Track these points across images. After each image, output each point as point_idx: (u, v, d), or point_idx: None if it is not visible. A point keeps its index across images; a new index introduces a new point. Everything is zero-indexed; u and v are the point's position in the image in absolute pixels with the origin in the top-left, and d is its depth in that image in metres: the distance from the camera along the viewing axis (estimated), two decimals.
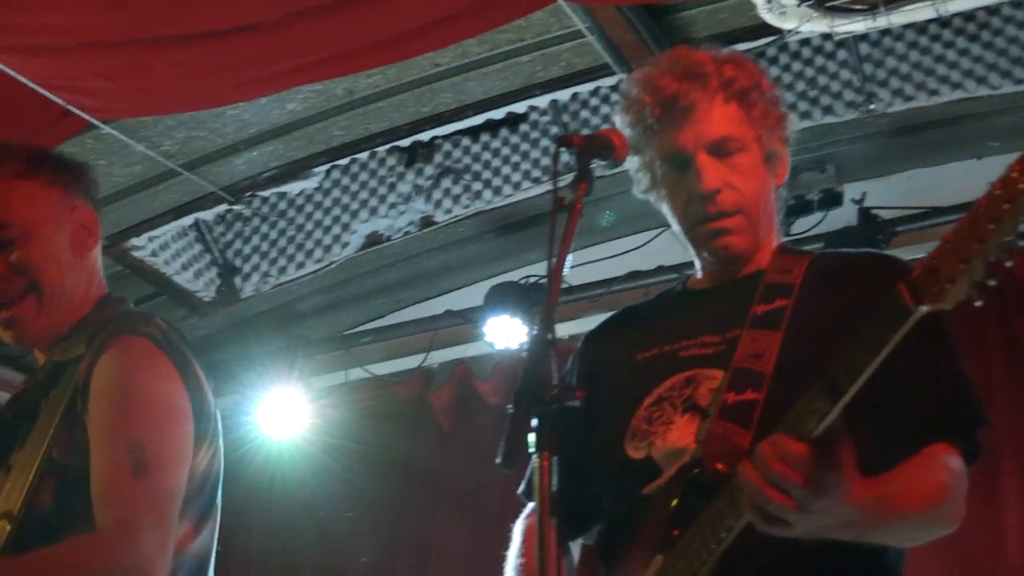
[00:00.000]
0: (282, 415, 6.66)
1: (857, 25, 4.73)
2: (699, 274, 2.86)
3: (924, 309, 2.06)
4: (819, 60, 5.33)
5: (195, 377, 2.83)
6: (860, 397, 2.14)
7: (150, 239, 6.01)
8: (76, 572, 2.56)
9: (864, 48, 5.21)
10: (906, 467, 2.36)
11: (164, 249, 6.12)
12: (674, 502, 2.49)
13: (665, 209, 2.80)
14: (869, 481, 2.24)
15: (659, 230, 2.84)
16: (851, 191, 5.66)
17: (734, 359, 2.58)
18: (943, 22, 4.99)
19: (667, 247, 2.89)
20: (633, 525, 2.56)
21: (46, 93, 4.63)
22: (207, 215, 6.11)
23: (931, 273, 2.04)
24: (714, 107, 2.72)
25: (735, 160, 2.71)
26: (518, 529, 2.88)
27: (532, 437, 2.15)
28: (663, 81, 2.74)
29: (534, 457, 2.13)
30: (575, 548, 2.90)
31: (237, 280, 6.37)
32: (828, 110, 5.33)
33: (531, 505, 2.90)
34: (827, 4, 4.67)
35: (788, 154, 2.85)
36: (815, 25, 4.74)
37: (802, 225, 5.71)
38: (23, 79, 4.53)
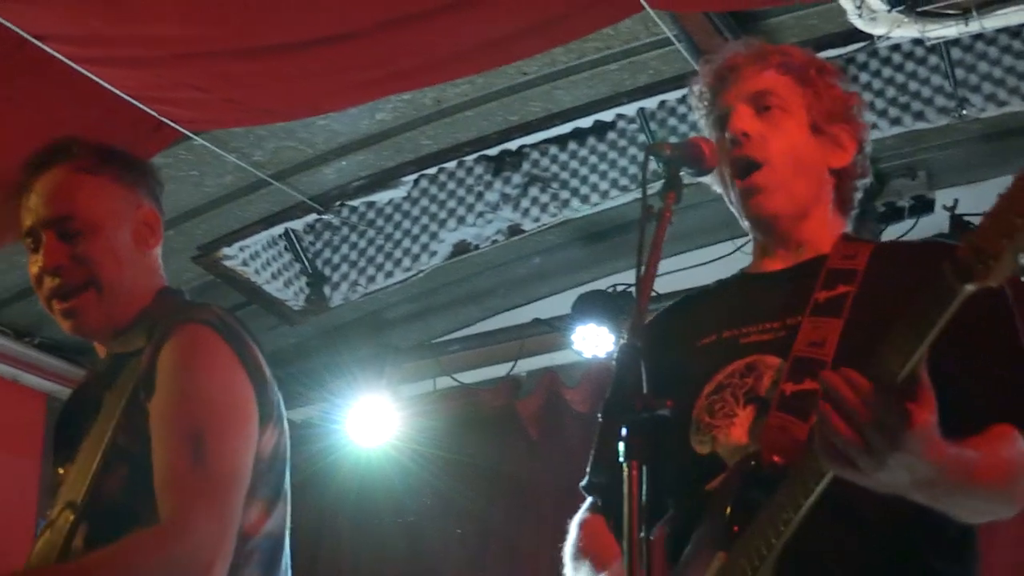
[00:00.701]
0: (370, 423, 6.70)
1: (949, 30, 4.68)
2: (757, 258, 2.83)
3: (970, 288, 2.01)
4: (910, 66, 5.27)
5: (255, 362, 2.84)
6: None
7: (241, 248, 6.06)
8: (134, 570, 2.58)
9: (956, 53, 5.15)
10: (978, 440, 2.30)
11: (255, 259, 6.18)
12: (733, 498, 2.47)
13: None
14: (951, 443, 2.18)
15: (747, 238, 2.82)
16: (942, 197, 5.60)
17: (794, 348, 2.55)
18: None
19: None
20: (697, 522, 2.55)
21: (140, 105, 4.69)
22: (297, 225, 6.16)
23: (975, 251, 2.00)
24: (763, 71, 2.73)
25: (773, 115, 2.70)
26: (575, 523, 2.88)
27: (622, 446, 2.15)
28: (723, 58, 2.78)
29: (624, 466, 2.13)
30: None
31: (326, 289, 6.41)
32: (919, 116, 5.27)
33: (589, 500, 2.92)
34: (918, 9, 4.62)
35: (859, 149, 2.80)
36: (906, 30, 4.69)
37: (893, 232, 5.66)
38: (118, 91, 4.59)
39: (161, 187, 3.15)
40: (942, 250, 2.68)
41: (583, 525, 2.87)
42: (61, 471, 2.89)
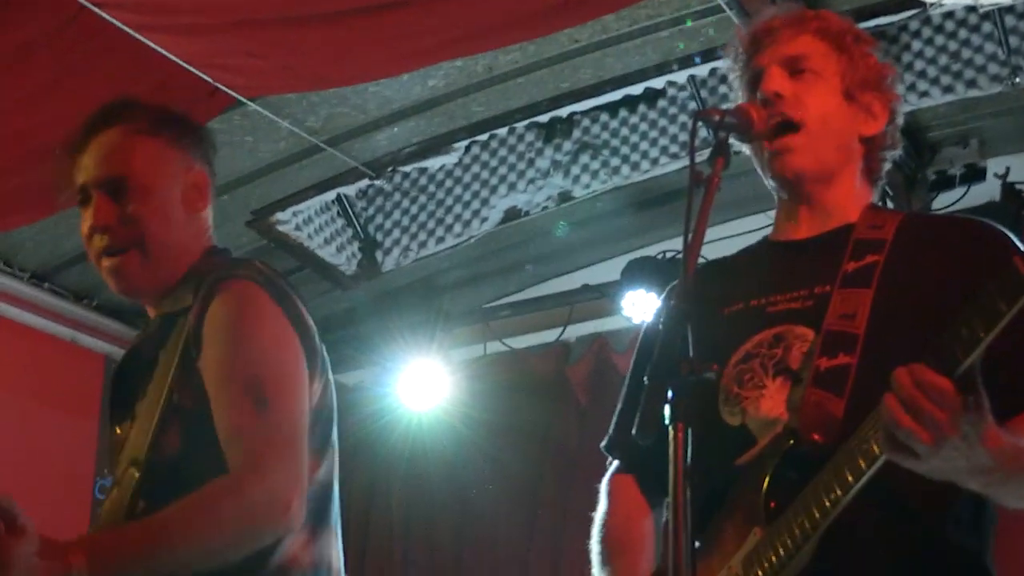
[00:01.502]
0: (422, 387, 6.74)
1: None
2: (781, 223, 2.80)
3: None
4: (963, 33, 5.22)
5: (299, 314, 2.86)
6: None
7: (294, 213, 6.10)
8: (211, 516, 2.60)
9: (1010, 21, 5.10)
10: (1022, 424, 2.31)
11: (308, 223, 6.21)
12: (769, 474, 2.48)
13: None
14: (1006, 432, 2.19)
15: None
16: (994, 166, 5.57)
17: (825, 321, 2.53)
18: None
19: None
20: (725, 496, 2.55)
21: (196, 71, 4.72)
22: (349, 190, 6.19)
23: None
24: (800, 35, 2.71)
25: (807, 78, 2.67)
26: (603, 489, 2.89)
27: (668, 409, 2.16)
28: (760, 23, 2.77)
29: (670, 429, 2.14)
30: (664, 508, 2.90)
31: (378, 254, 6.44)
32: (972, 84, 5.22)
33: (616, 463, 2.92)
34: None
35: (890, 119, 2.79)
36: None
37: (944, 200, 5.63)
38: (174, 58, 4.63)
39: (214, 150, 3.15)
40: (970, 225, 2.69)
41: (613, 495, 2.88)
42: (119, 431, 2.93)
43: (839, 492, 2.28)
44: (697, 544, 2.56)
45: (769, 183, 2.75)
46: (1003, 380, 2.19)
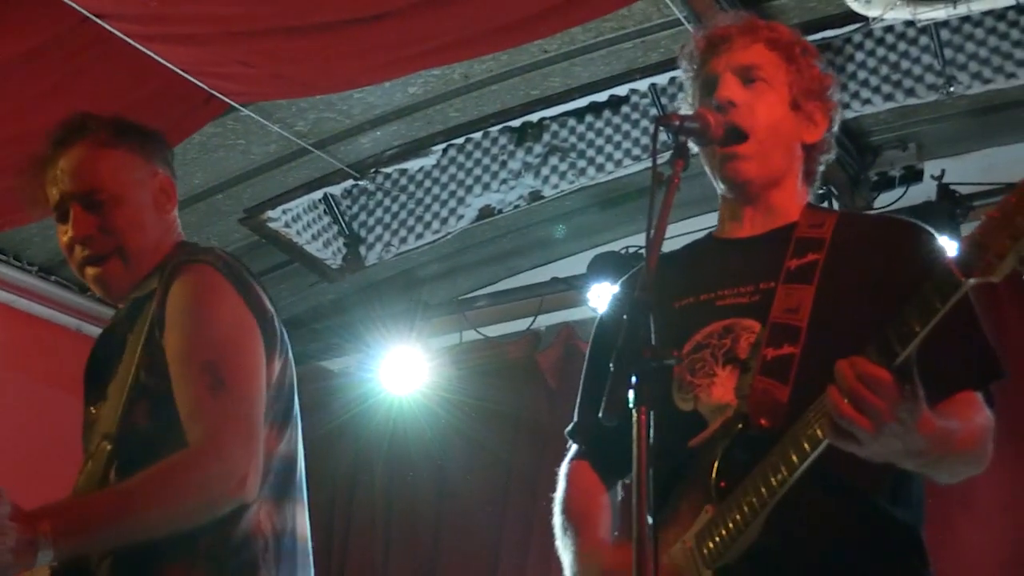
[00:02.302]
0: (402, 373, 6.74)
1: (939, 12, 4.66)
2: (726, 220, 2.81)
3: (972, 282, 2.03)
4: (902, 46, 5.25)
5: (256, 297, 2.86)
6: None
7: (284, 211, 6.09)
8: (169, 486, 2.60)
9: (945, 34, 5.13)
10: (950, 406, 2.35)
11: (296, 221, 6.20)
12: (720, 455, 2.48)
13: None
14: (937, 416, 2.23)
15: None
16: (931, 168, 5.61)
17: (771, 314, 2.57)
18: (1021, 8, 4.90)
19: None
20: (679, 476, 2.56)
21: (192, 79, 4.71)
22: (335, 190, 6.18)
23: (979, 248, 2.01)
24: (753, 45, 2.72)
25: (758, 87, 2.69)
26: (563, 472, 2.90)
27: (631, 393, 2.15)
28: (717, 29, 2.77)
29: (633, 411, 2.14)
30: (619, 488, 2.90)
31: (362, 249, 6.43)
32: (910, 92, 5.25)
33: (575, 448, 2.93)
34: None
35: (828, 127, 2.80)
36: (899, 13, 4.67)
37: (885, 199, 5.66)
38: (172, 66, 4.61)
39: (172, 153, 3.16)
40: (901, 224, 2.73)
41: (571, 478, 2.89)
42: (93, 410, 2.93)
43: (785, 473, 2.31)
44: (657, 520, 2.58)
45: (718, 185, 2.76)
46: (932, 367, 2.20)
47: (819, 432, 2.24)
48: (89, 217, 2.92)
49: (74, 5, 4.24)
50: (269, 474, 2.79)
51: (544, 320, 6.75)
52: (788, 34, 2.80)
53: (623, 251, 6.20)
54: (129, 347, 2.84)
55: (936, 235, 2.66)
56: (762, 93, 2.69)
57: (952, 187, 5.46)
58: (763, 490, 2.34)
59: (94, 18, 4.31)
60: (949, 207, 5.38)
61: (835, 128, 2.83)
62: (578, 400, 2.94)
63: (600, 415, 2.89)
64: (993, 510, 4.85)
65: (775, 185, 2.73)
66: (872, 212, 2.89)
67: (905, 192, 5.64)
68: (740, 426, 2.48)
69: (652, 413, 2.12)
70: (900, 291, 2.16)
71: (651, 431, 2.11)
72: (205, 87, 4.78)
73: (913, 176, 5.64)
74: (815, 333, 2.50)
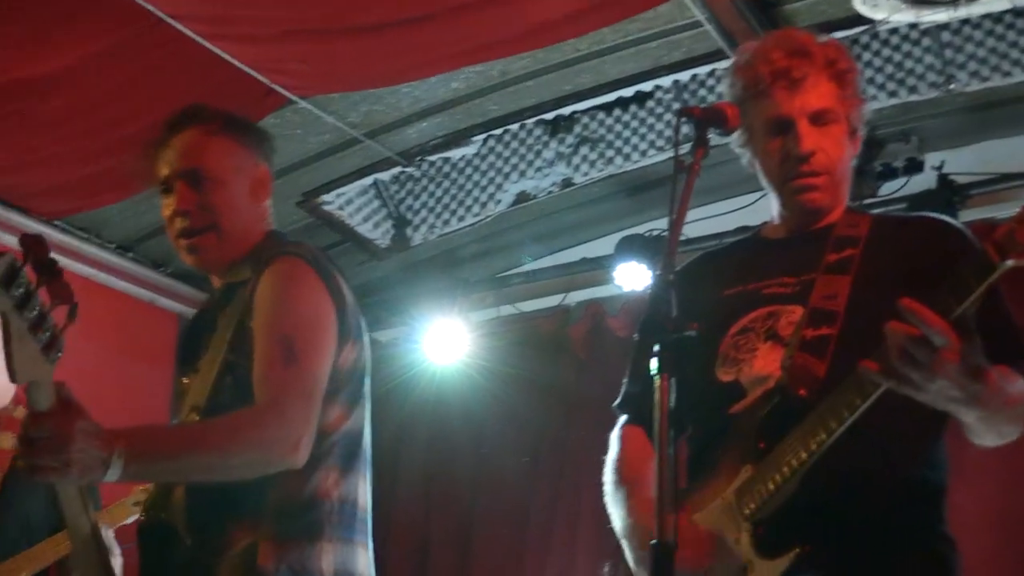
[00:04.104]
0: (444, 344, 6.73)
1: (940, 15, 4.63)
2: (776, 223, 2.84)
3: (1009, 263, 2.03)
4: (906, 47, 5.21)
5: (338, 287, 2.89)
6: None
7: (337, 196, 6.11)
8: (233, 437, 2.63)
9: (946, 36, 5.09)
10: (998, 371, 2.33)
11: (349, 204, 6.22)
12: (760, 420, 2.49)
13: (756, 161, 2.78)
14: (994, 371, 2.23)
15: (763, 192, 2.83)
16: (931, 159, 5.55)
17: (811, 300, 2.59)
18: (1017, 12, 4.86)
19: (769, 206, 2.89)
20: (720, 440, 2.57)
21: (255, 74, 4.72)
22: (384, 176, 6.18)
23: (1016, 233, 2.02)
24: (819, 83, 2.70)
25: (829, 130, 2.70)
26: (614, 436, 2.90)
27: (654, 362, 2.16)
28: (776, 54, 2.73)
29: (656, 378, 2.14)
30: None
31: (408, 230, 6.45)
32: (913, 90, 5.21)
33: (623, 417, 2.93)
34: None
35: (863, 132, 2.82)
36: (903, 16, 4.65)
37: (888, 188, 5.63)
38: (237, 63, 4.63)
39: (273, 149, 3.19)
40: (933, 220, 2.74)
41: (622, 439, 2.89)
42: (185, 381, 2.96)
43: (824, 435, 2.34)
44: (696, 481, 2.60)
45: (785, 203, 2.77)
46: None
47: (857, 400, 2.27)
48: (191, 194, 2.96)
49: (149, 7, 4.26)
50: (336, 446, 2.84)
51: (574, 297, 6.73)
52: (839, 56, 2.75)
53: (647, 234, 6.17)
54: (221, 327, 2.88)
55: (966, 231, 2.66)
56: (832, 133, 2.71)
57: (951, 177, 5.42)
58: (803, 452, 2.36)
59: (167, 19, 4.33)
60: (948, 195, 5.35)
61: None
62: (627, 373, 2.95)
63: (625, 381, 2.92)
64: (983, 475, 4.86)
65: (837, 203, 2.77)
66: (905, 213, 2.93)
67: (907, 182, 5.60)
68: (780, 395, 2.49)
69: (674, 380, 2.13)
70: (932, 279, 2.17)
71: (672, 396, 2.12)
72: (266, 82, 4.80)
73: (915, 167, 5.60)
74: (851, 317, 2.51)
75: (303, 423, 2.67)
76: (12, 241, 5.30)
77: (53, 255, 2.44)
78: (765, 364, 2.58)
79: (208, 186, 2.97)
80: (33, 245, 2.45)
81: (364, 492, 2.93)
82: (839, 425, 2.31)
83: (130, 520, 3.63)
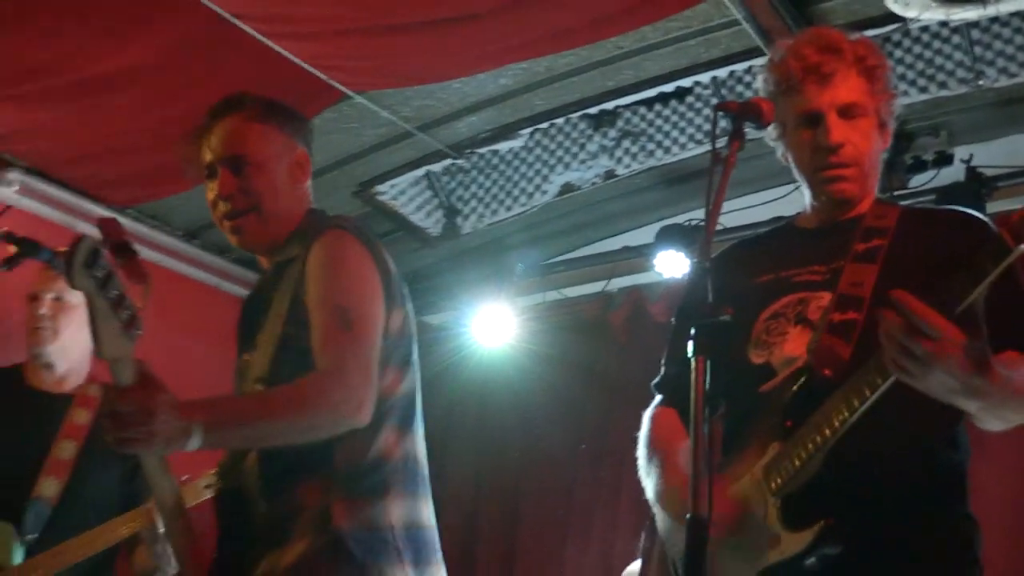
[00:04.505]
0: (492, 328, 6.76)
1: (970, 13, 4.59)
2: (808, 214, 2.84)
3: (1023, 248, 2.03)
4: (936, 44, 5.17)
5: (382, 257, 2.93)
6: None
7: (391, 186, 6.14)
8: (300, 402, 2.67)
9: (975, 33, 5.04)
10: (1002, 360, 2.31)
11: (402, 194, 6.25)
12: (788, 399, 2.49)
13: (789, 154, 2.78)
14: (997, 363, 2.22)
15: (796, 185, 2.84)
16: (960, 153, 5.52)
17: (839, 286, 2.60)
18: None
19: (801, 198, 2.89)
20: (751, 418, 2.58)
21: (313, 70, 4.75)
22: (436, 167, 6.20)
23: None
24: (848, 78, 2.70)
25: (857, 123, 2.69)
26: (647, 415, 2.91)
27: (691, 345, 2.17)
28: (807, 51, 2.73)
29: (692, 360, 2.16)
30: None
31: (458, 220, 6.47)
32: (943, 85, 5.17)
33: (658, 397, 2.94)
34: None
35: (893, 126, 2.80)
36: (934, 14, 4.61)
37: (918, 181, 5.60)
38: (296, 59, 4.66)
39: (312, 133, 3.22)
40: (957, 215, 2.73)
41: (655, 418, 2.90)
42: (245, 357, 3.00)
43: (847, 414, 2.34)
44: (727, 456, 2.62)
45: (816, 194, 2.76)
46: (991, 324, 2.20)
47: (879, 379, 2.27)
48: (233, 178, 3.00)
49: (214, 7, 4.30)
50: (395, 408, 2.88)
51: (616, 283, 6.74)
52: (870, 53, 2.75)
53: (686, 223, 6.16)
54: (275, 303, 2.92)
55: (990, 223, 2.64)
56: (859, 125, 2.70)
57: (979, 170, 5.38)
58: (826, 430, 2.37)
59: (231, 18, 4.37)
60: (976, 187, 5.30)
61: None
62: (665, 355, 2.96)
63: (663, 361, 2.93)
64: (1005, 456, 4.83)
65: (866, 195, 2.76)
66: (932, 206, 2.92)
67: (937, 174, 5.56)
68: (807, 375, 2.50)
69: (709, 362, 2.14)
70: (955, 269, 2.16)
71: (707, 377, 2.13)
72: (324, 77, 4.82)
73: (944, 160, 5.57)
74: (877, 302, 2.49)
75: (364, 385, 2.71)
76: (87, 228, 5.42)
77: (128, 238, 2.49)
78: (795, 347, 2.59)
79: (249, 171, 3.00)
80: (110, 228, 2.50)
81: (421, 449, 2.98)
82: (861, 404, 2.31)
83: (199, 501, 3.67)
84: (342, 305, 2.78)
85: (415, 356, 3.02)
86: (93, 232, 2.55)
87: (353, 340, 2.74)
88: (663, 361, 2.95)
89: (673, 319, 2.70)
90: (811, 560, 2.40)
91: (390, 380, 2.86)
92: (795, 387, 2.51)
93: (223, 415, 2.63)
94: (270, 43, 4.53)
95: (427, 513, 2.93)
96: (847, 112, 2.68)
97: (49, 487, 4.12)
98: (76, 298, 4.25)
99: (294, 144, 3.10)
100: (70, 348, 4.32)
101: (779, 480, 2.46)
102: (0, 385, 4.36)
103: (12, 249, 3.88)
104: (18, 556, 4.00)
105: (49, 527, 4.06)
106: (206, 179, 3.08)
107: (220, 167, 3.02)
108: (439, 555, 2.92)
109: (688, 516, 2.08)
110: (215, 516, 2.91)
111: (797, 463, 2.43)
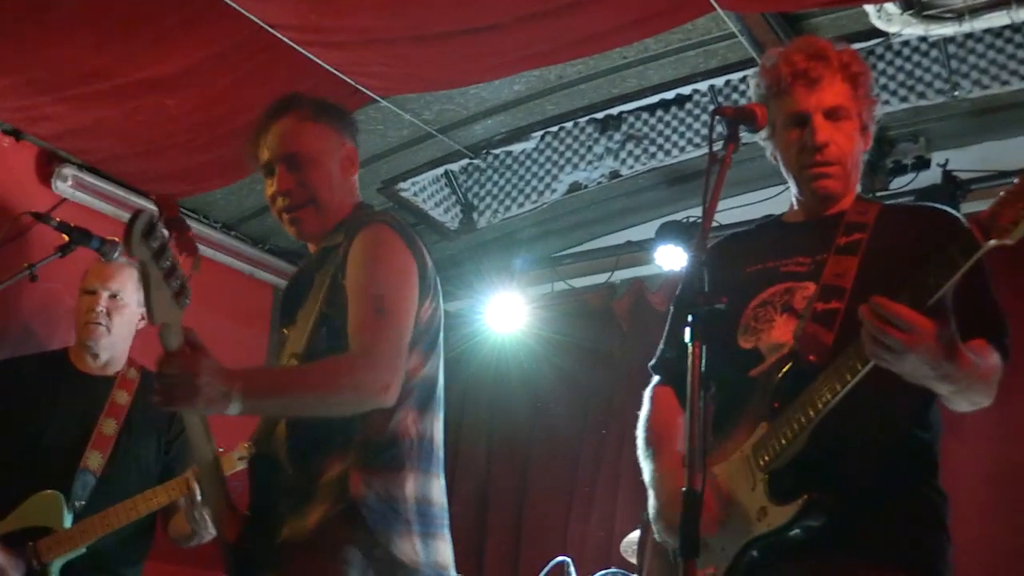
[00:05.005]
0: (504, 315, 6.78)
1: (947, 29, 4.60)
2: (794, 209, 2.84)
3: (992, 243, 2.04)
4: (916, 57, 5.18)
5: (420, 250, 2.94)
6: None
7: (413, 183, 6.15)
8: (330, 380, 2.69)
9: (951, 48, 5.06)
10: (969, 347, 2.33)
11: (423, 191, 6.26)
12: (775, 382, 2.50)
13: (778, 153, 2.79)
14: (966, 349, 2.25)
15: (786, 186, 2.84)
16: (937, 158, 5.52)
17: (822, 277, 2.60)
18: (1016, 27, 4.81)
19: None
20: (740, 400, 2.59)
21: (343, 76, 4.76)
22: (454, 167, 6.22)
23: (998, 216, 2.01)
24: (834, 83, 2.71)
25: (841, 125, 2.70)
26: (647, 395, 2.92)
27: (688, 331, 2.17)
28: (797, 57, 2.74)
29: (689, 346, 2.16)
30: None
31: (474, 215, 6.48)
32: (922, 95, 5.19)
33: (656, 378, 2.95)
34: (924, 13, 4.56)
35: (874, 129, 2.80)
36: (914, 29, 4.62)
37: (898, 183, 5.60)
38: (327, 66, 4.66)
39: (358, 130, 3.24)
40: (933, 210, 2.74)
41: (654, 398, 2.92)
42: (285, 331, 3.03)
43: (829, 396, 2.36)
44: (718, 436, 2.62)
45: (801, 190, 2.77)
46: (955, 317, 2.23)
47: (859, 365, 2.29)
48: (290, 175, 3.01)
49: (253, 17, 4.30)
50: (415, 389, 2.88)
51: (619, 275, 6.75)
52: (853, 61, 2.76)
53: (685, 220, 6.18)
54: (316, 284, 2.94)
55: (963, 220, 2.65)
56: (843, 127, 2.71)
57: (954, 173, 5.39)
58: (810, 411, 2.38)
59: (268, 28, 4.38)
60: (951, 190, 5.31)
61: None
62: (662, 340, 2.96)
63: (661, 347, 2.93)
64: (978, 437, 4.83)
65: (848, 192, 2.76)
66: (910, 203, 2.92)
67: (915, 177, 5.57)
68: (792, 360, 2.50)
69: (704, 347, 2.14)
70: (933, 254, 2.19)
71: (703, 362, 2.13)
72: (352, 83, 4.82)
73: (922, 164, 5.58)
74: (857, 292, 2.52)
75: (392, 369, 2.72)
76: None
77: (181, 213, 2.50)
78: (781, 334, 2.60)
79: (305, 167, 3.02)
80: (166, 203, 2.52)
81: (438, 430, 2.98)
82: (842, 387, 2.34)
83: (233, 472, 3.69)
84: (378, 293, 2.79)
85: (440, 345, 3.02)
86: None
87: (385, 326, 2.75)
88: (660, 344, 2.96)
89: (671, 306, 2.70)
90: (795, 531, 2.41)
91: (413, 364, 2.86)
92: (782, 371, 2.53)
93: (261, 384, 2.66)
94: (304, 51, 4.54)
95: (438, 491, 2.93)
96: (832, 114, 2.69)
97: (94, 460, 4.19)
98: (129, 296, 4.36)
99: (343, 140, 3.13)
100: (117, 340, 4.41)
101: (767, 457, 2.48)
102: (51, 369, 4.44)
103: (65, 238, 3.90)
104: (68, 520, 4.06)
105: (95, 495, 4.14)
106: (265, 176, 3.10)
107: (277, 165, 3.03)
108: (447, 531, 2.93)
109: (683, 490, 2.09)
110: (249, 481, 2.93)
111: (784, 441, 2.44)
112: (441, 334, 3.02)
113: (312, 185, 3.01)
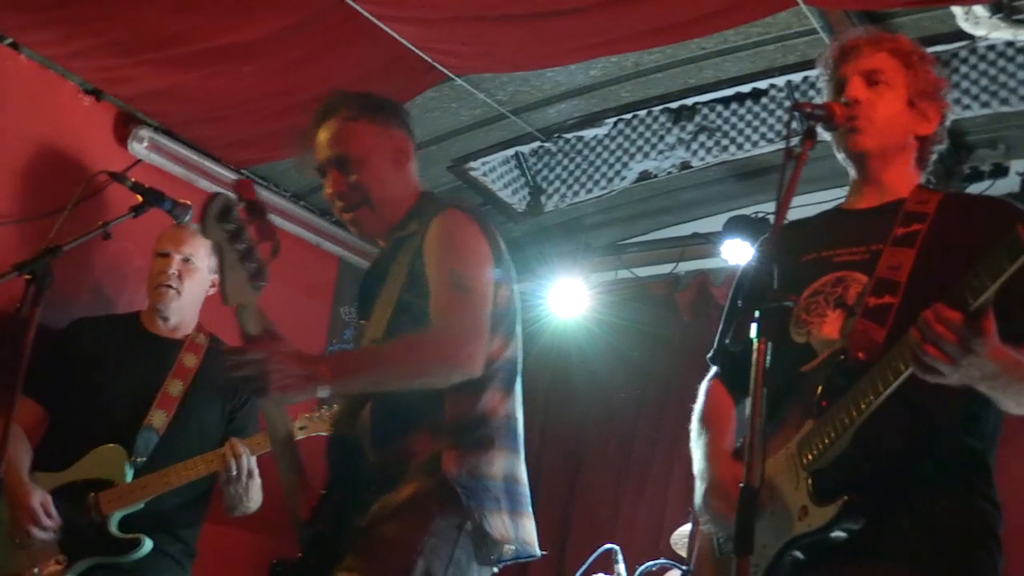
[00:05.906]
0: (567, 300, 6.77)
1: None
2: (852, 196, 2.79)
3: None
4: (1001, 62, 5.06)
5: (495, 238, 2.98)
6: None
7: (483, 164, 6.14)
8: (416, 352, 2.74)
9: None
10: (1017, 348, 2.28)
11: (492, 172, 6.25)
12: (823, 380, 2.47)
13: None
14: (1008, 348, 2.20)
15: None
16: (1016, 166, 5.43)
17: (876, 270, 2.55)
18: None
19: None
20: (789, 395, 2.56)
21: (419, 53, 4.76)
22: (525, 149, 6.20)
23: None
24: (875, 53, 2.69)
25: (880, 88, 2.67)
26: (703, 388, 2.92)
27: (754, 327, 2.15)
28: (848, 41, 2.75)
29: (755, 342, 2.14)
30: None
31: (542, 198, 6.47)
32: (1004, 101, 5.06)
33: (714, 369, 2.95)
34: (1013, 17, 4.44)
35: (940, 122, 2.74)
36: (1001, 34, 4.51)
37: (973, 190, 5.49)
38: (405, 42, 4.66)
39: (408, 116, 3.25)
40: (997, 202, 2.66)
41: (709, 392, 2.91)
42: (363, 322, 3.06)
43: (872, 397, 2.32)
44: (768, 430, 2.60)
45: (843, 160, 2.74)
46: (1002, 318, 2.18)
47: (902, 366, 2.25)
48: (341, 177, 3.06)
49: None
50: (500, 371, 2.92)
51: (684, 266, 6.71)
52: (908, 44, 2.75)
53: (753, 215, 6.13)
54: (392, 274, 2.97)
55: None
56: (883, 93, 2.67)
57: None
58: (853, 411, 2.35)
59: (348, 0, 4.38)
60: None
61: (946, 124, 2.78)
62: (718, 332, 2.95)
63: (727, 341, 2.90)
64: None
65: (887, 163, 2.69)
66: (974, 193, 2.84)
67: (992, 185, 5.47)
68: (842, 358, 2.47)
69: (770, 344, 2.12)
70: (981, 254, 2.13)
71: (768, 359, 2.12)
72: (429, 60, 4.83)
73: (1000, 171, 5.48)
74: (912, 287, 2.47)
75: (474, 339, 2.75)
76: (207, 185, 5.49)
77: (260, 199, 2.54)
78: (832, 329, 2.57)
79: (354, 168, 3.05)
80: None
81: (520, 411, 3.02)
82: (886, 388, 2.29)
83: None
84: (456, 271, 2.83)
85: (519, 329, 3.06)
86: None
87: (466, 299, 2.79)
88: (718, 334, 2.95)
89: (736, 299, 2.68)
90: (836, 533, 2.39)
91: (496, 347, 2.90)
92: (832, 368, 2.49)
93: (347, 364, 2.72)
94: (382, 25, 4.54)
95: (522, 470, 2.98)
96: (870, 77, 2.66)
97: (158, 418, 4.27)
98: (201, 261, 4.43)
99: (391, 131, 3.14)
100: (187, 304, 4.50)
101: (811, 456, 2.46)
102: (123, 329, 4.54)
103: (139, 199, 3.95)
104: (128, 475, 4.13)
105: (156, 453, 4.22)
106: (320, 177, 3.15)
107: (329, 168, 3.08)
108: (530, 509, 2.96)
109: (741, 485, 2.08)
110: (327, 460, 2.95)
111: (827, 440, 2.42)
112: (519, 318, 3.06)
113: (364, 186, 3.04)
